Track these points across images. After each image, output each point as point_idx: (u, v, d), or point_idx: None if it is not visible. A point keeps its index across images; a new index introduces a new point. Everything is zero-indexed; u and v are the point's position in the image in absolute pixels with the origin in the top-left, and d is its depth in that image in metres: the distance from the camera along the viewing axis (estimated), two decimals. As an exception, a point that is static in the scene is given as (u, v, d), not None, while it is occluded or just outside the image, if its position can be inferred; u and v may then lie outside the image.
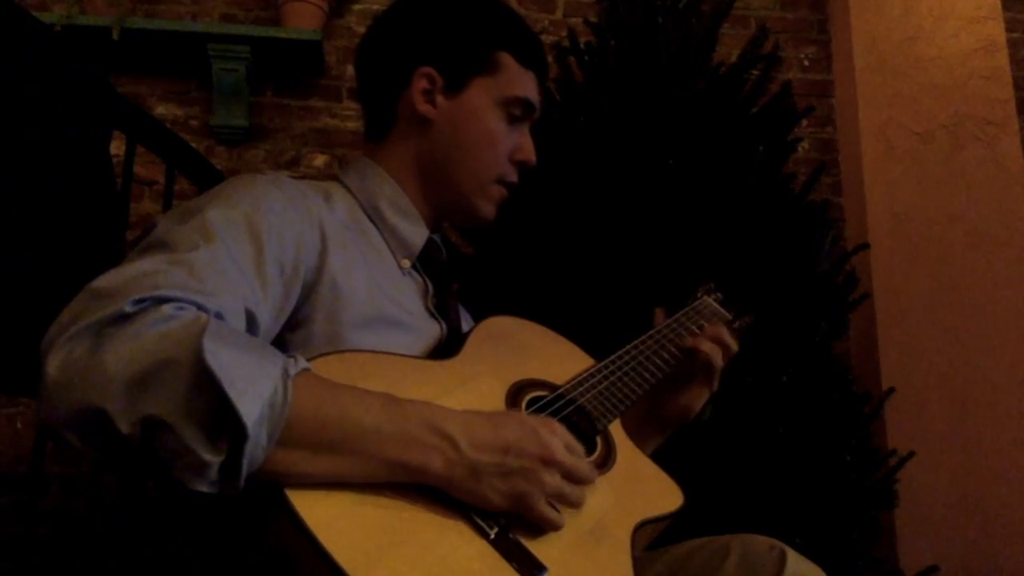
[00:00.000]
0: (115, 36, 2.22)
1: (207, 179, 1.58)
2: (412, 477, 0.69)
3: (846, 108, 2.62)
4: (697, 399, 1.08)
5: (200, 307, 0.67)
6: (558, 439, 0.77)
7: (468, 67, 1.01)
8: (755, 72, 1.75)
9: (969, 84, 2.53)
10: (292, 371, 0.65)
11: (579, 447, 0.80)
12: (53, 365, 0.62)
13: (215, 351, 0.61)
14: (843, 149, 2.64)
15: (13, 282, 1.19)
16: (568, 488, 0.76)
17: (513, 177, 1.05)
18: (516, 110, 1.03)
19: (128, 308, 0.63)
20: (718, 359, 1.07)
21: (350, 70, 2.54)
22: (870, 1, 2.59)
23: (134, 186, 1.81)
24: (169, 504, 0.81)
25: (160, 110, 2.43)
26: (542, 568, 0.71)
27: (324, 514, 0.63)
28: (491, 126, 1.01)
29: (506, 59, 1.02)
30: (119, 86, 1.48)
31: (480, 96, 1.01)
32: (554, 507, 0.75)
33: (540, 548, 0.73)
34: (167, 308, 0.64)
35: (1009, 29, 2.64)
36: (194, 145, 1.80)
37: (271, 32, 2.35)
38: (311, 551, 0.60)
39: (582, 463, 0.78)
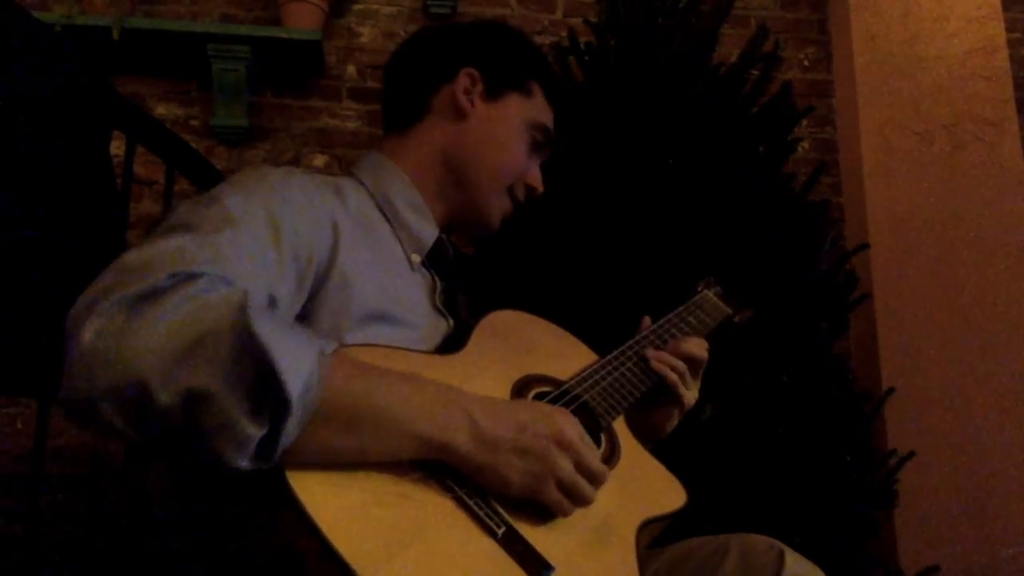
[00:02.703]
0: (115, 36, 2.22)
1: (207, 179, 1.58)
2: (436, 454, 0.71)
3: (846, 108, 2.62)
4: (667, 418, 1.05)
5: (229, 285, 0.68)
6: (572, 426, 0.79)
7: (507, 80, 1.07)
8: (755, 72, 1.75)
9: (969, 84, 2.53)
10: (327, 350, 0.66)
11: (591, 443, 0.81)
12: (88, 335, 0.60)
13: (260, 324, 0.61)
14: (843, 149, 2.64)
15: (13, 282, 1.19)
16: (580, 480, 0.77)
17: (520, 195, 1.10)
18: (539, 135, 1.09)
19: (164, 282, 0.64)
20: (676, 382, 1.02)
21: (350, 70, 2.54)
22: (870, 1, 2.59)
23: (134, 186, 1.81)
24: (173, 504, 0.80)
25: (160, 110, 2.43)
26: (549, 567, 0.71)
27: (333, 513, 0.63)
28: (517, 139, 1.07)
29: (537, 88, 1.09)
30: (119, 86, 1.47)
31: (513, 109, 1.07)
32: (566, 495, 0.76)
33: (547, 547, 0.73)
34: (201, 282, 0.65)
35: (1009, 29, 2.64)
36: (194, 145, 1.80)
37: (271, 32, 2.35)
38: (320, 550, 0.60)
39: (594, 456, 0.80)
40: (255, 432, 0.60)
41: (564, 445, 0.76)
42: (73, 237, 1.26)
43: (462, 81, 1.05)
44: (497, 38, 1.11)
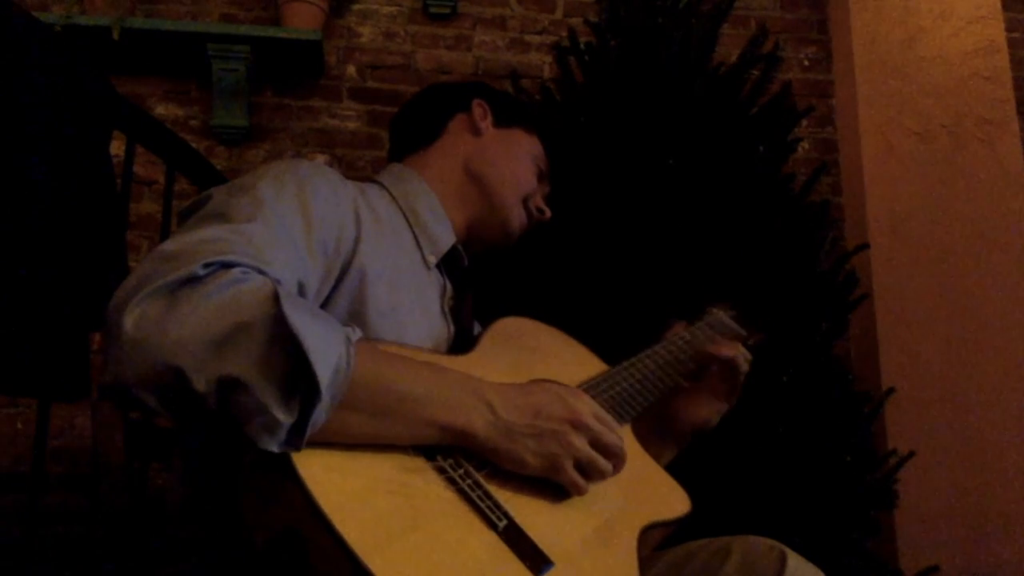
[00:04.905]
0: (115, 36, 2.22)
1: (207, 179, 1.58)
2: (457, 440, 0.74)
3: (846, 108, 2.62)
4: (716, 411, 1.09)
5: (261, 274, 0.70)
6: (586, 406, 0.82)
7: (513, 117, 1.17)
8: (755, 72, 1.74)
9: (969, 84, 2.53)
10: (353, 338, 0.68)
11: (608, 417, 0.84)
12: (129, 322, 0.63)
13: (292, 313, 0.63)
14: (843, 149, 2.64)
15: (13, 283, 1.19)
16: (597, 457, 0.80)
17: (533, 212, 1.16)
18: (543, 165, 1.18)
19: (199, 271, 0.66)
20: (744, 367, 1.08)
21: (350, 70, 2.54)
22: (870, 1, 2.59)
23: (134, 186, 1.81)
24: (182, 493, 0.82)
25: (160, 110, 2.43)
26: (549, 562, 0.72)
27: (338, 498, 0.64)
28: (527, 161, 1.15)
29: (535, 134, 1.19)
30: (119, 86, 1.47)
31: (520, 138, 1.16)
32: (583, 474, 0.80)
33: (548, 543, 0.73)
34: (235, 272, 0.67)
35: (1009, 29, 2.64)
36: (194, 145, 1.80)
37: (271, 32, 2.35)
38: (323, 533, 0.61)
39: (609, 432, 0.82)
40: (286, 419, 0.62)
41: (579, 425, 0.80)
42: (73, 237, 1.26)
43: (476, 109, 1.14)
44: (499, 90, 1.22)
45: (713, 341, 1.13)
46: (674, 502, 0.92)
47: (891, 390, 1.95)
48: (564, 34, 1.93)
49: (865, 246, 1.95)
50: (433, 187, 1.07)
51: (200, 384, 0.61)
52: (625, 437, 0.95)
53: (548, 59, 2.59)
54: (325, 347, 0.64)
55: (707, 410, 1.09)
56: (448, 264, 1.07)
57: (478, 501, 0.72)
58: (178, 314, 0.63)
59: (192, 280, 0.65)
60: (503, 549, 0.70)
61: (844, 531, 1.51)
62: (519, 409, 0.77)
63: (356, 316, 0.86)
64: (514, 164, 1.13)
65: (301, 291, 0.78)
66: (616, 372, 1.01)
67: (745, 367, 1.09)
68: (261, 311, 0.64)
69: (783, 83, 1.79)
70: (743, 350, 1.11)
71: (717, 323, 1.20)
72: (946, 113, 2.50)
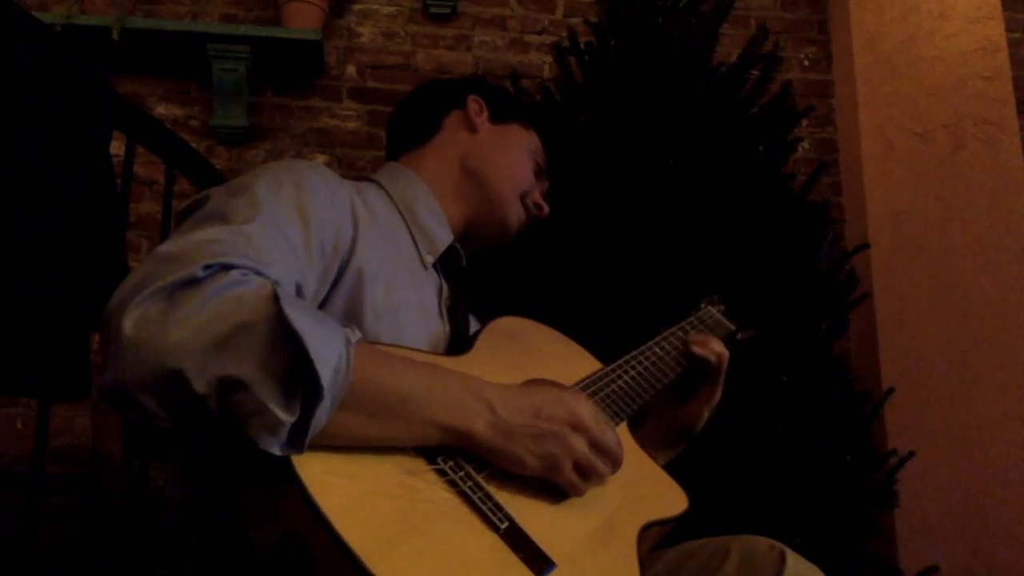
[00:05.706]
0: (115, 36, 2.22)
1: (207, 179, 1.58)
2: (456, 440, 0.74)
3: (846, 108, 2.62)
4: (700, 411, 1.08)
5: (260, 275, 0.69)
6: (585, 407, 0.81)
7: (510, 112, 1.17)
8: (755, 72, 1.75)
9: (969, 84, 2.53)
10: (352, 339, 0.68)
11: (606, 420, 0.84)
12: (128, 324, 0.62)
13: (292, 313, 0.63)
14: (843, 149, 2.64)
15: (14, 283, 1.19)
16: (595, 459, 0.80)
17: (531, 208, 1.15)
18: (540, 160, 1.17)
19: (199, 272, 0.65)
20: (719, 366, 1.07)
21: (350, 70, 2.54)
22: (870, 1, 2.59)
23: (134, 186, 1.81)
24: (182, 495, 0.81)
25: (160, 110, 2.43)
26: (551, 563, 0.72)
27: (340, 502, 0.63)
28: (524, 156, 1.15)
29: (532, 128, 1.19)
30: (119, 86, 1.47)
31: (517, 133, 1.16)
32: (581, 475, 0.79)
33: (549, 544, 0.73)
34: (235, 273, 0.67)
35: (1009, 29, 2.64)
36: (194, 145, 1.80)
37: (271, 32, 2.36)
38: (326, 537, 0.61)
39: (608, 434, 0.82)
40: (287, 418, 0.61)
41: (578, 427, 0.79)
42: (73, 237, 1.26)
43: (471, 105, 1.13)
44: (495, 86, 1.22)
45: (701, 338, 1.12)
46: (672, 500, 0.92)
47: (891, 390, 1.95)
48: (564, 34, 1.93)
49: (865, 246, 1.95)
50: (430, 185, 1.07)
51: (200, 385, 0.61)
52: (622, 436, 0.95)
53: (548, 59, 2.59)
54: (325, 347, 0.63)
55: (694, 409, 1.08)
56: (445, 263, 1.07)
57: (479, 503, 0.72)
58: (178, 316, 0.62)
59: (192, 282, 0.65)
60: (505, 551, 0.70)
61: (844, 531, 1.51)
62: (519, 410, 0.77)
63: (353, 316, 0.85)
64: (511, 160, 1.13)
65: (299, 292, 0.78)
66: (611, 370, 1.01)
67: (721, 366, 1.07)
68: (261, 311, 0.63)
69: (783, 83, 1.79)
70: (720, 349, 1.09)
71: (707, 319, 1.20)
72: (946, 113, 2.50)
